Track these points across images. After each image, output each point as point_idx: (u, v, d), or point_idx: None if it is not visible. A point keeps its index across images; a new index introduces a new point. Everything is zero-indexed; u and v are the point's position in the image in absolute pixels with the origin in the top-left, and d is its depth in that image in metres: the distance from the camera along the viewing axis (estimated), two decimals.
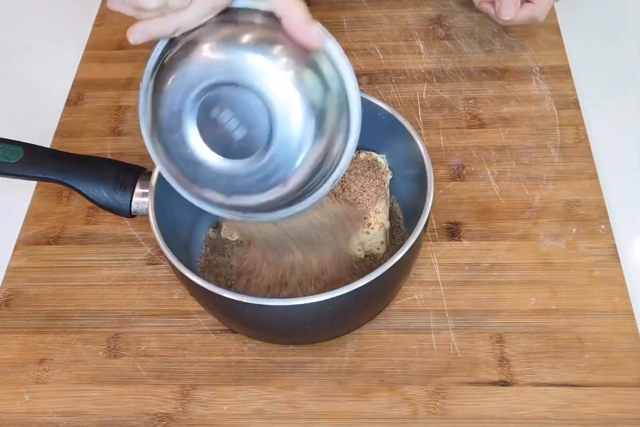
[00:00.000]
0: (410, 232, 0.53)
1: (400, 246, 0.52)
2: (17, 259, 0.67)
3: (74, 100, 0.80)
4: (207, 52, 0.44)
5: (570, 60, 0.79)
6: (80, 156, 0.61)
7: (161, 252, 0.53)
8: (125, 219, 0.66)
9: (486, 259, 0.64)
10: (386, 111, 0.59)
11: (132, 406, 0.58)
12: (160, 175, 0.56)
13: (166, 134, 0.46)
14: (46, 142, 0.76)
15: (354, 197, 0.60)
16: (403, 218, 0.65)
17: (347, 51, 0.81)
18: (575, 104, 0.75)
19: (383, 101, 0.60)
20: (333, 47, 0.46)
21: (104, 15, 0.89)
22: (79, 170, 0.59)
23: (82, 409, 0.58)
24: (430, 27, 0.84)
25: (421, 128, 0.74)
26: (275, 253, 0.56)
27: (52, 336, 0.62)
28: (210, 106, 0.44)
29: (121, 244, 0.68)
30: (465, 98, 0.77)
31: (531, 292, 0.62)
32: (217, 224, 0.66)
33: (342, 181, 0.61)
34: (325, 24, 0.91)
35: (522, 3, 0.73)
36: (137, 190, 0.59)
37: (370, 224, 0.58)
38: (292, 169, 0.45)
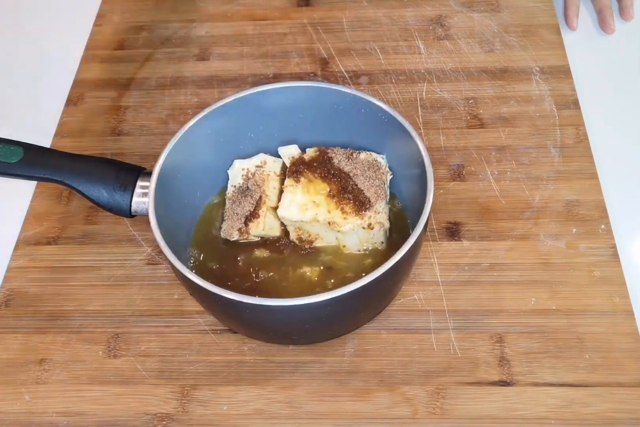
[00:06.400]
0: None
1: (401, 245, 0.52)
2: (17, 259, 0.67)
3: (74, 100, 0.80)
4: None
5: (570, 60, 0.79)
6: (80, 156, 0.61)
7: (161, 252, 0.53)
8: (125, 219, 0.66)
9: (486, 259, 0.64)
10: (386, 111, 0.59)
11: (132, 406, 0.58)
12: (160, 175, 0.56)
13: None
14: (46, 142, 0.76)
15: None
16: None
17: (347, 51, 0.82)
18: (575, 104, 0.75)
19: (383, 101, 0.60)
20: None
21: (104, 15, 0.89)
22: (79, 170, 0.59)
23: (82, 409, 0.58)
24: (430, 27, 0.84)
25: (421, 128, 0.74)
26: None
27: (52, 336, 0.62)
28: None
29: (121, 244, 0.68)
30: (465, 98, 0.77)
31: (531, 292, 0.62)
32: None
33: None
34: (325, 24, 0.91)
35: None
36: (137, 190, 0.59)
37: (370, 224, 0.58)
38: None
